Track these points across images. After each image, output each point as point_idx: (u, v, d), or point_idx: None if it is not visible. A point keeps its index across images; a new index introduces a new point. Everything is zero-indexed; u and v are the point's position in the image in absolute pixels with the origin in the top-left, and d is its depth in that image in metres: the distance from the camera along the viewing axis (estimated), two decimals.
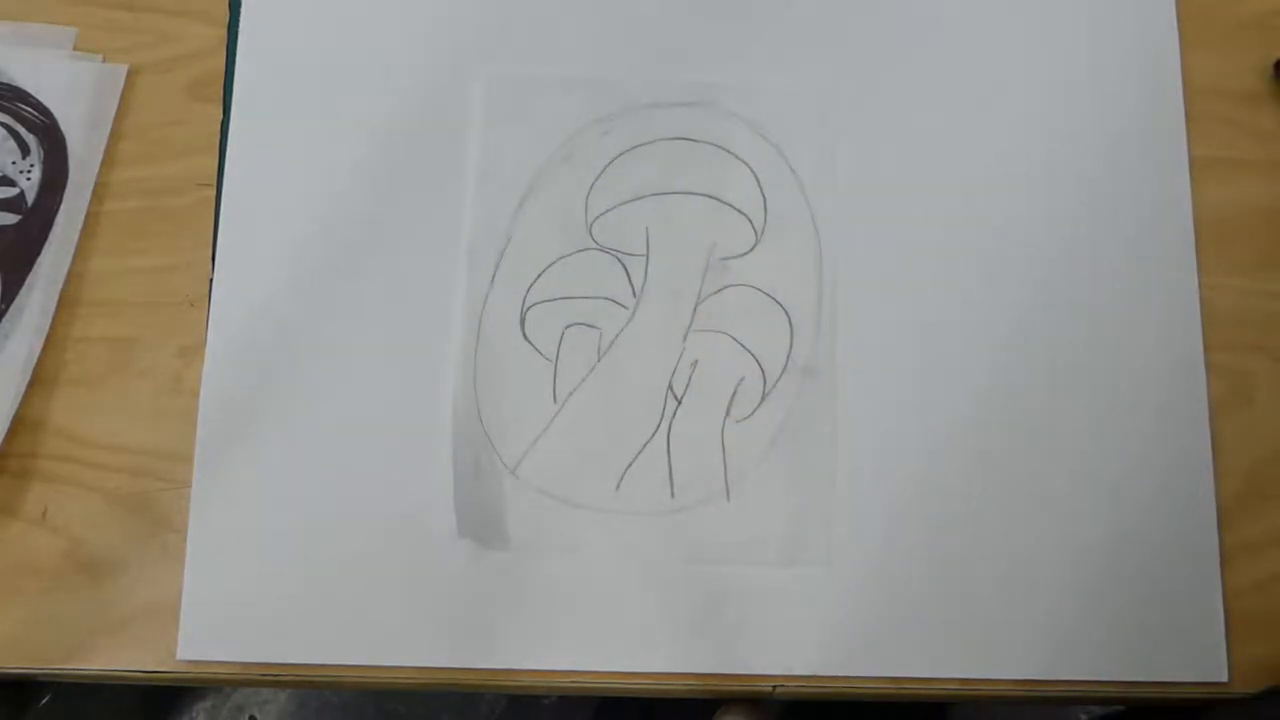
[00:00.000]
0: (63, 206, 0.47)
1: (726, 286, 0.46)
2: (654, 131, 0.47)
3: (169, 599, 0.43)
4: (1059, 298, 0.46)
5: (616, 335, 0.45)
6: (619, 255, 0.46)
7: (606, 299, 0.46)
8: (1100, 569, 0.44)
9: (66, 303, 0.46)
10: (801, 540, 0.44)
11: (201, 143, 0.47)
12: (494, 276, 0.46)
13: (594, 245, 0.46)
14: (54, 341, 0.46)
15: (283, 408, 0.44)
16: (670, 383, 0.45)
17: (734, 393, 0.45)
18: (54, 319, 0.46)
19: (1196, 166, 0.48)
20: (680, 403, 0.45)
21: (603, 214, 0.46)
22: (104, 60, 0.48)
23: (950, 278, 0.46)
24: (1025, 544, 0.44)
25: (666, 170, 0.47)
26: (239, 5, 0.49)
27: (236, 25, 0.48)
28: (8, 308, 0.45)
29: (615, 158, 0.47)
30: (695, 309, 0.46)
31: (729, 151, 0.47)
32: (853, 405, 0.45)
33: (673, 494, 0.44)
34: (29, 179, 0.47)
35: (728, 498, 0.44)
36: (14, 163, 0.47)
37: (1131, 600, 0.43)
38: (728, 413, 0.45)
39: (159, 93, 0.48)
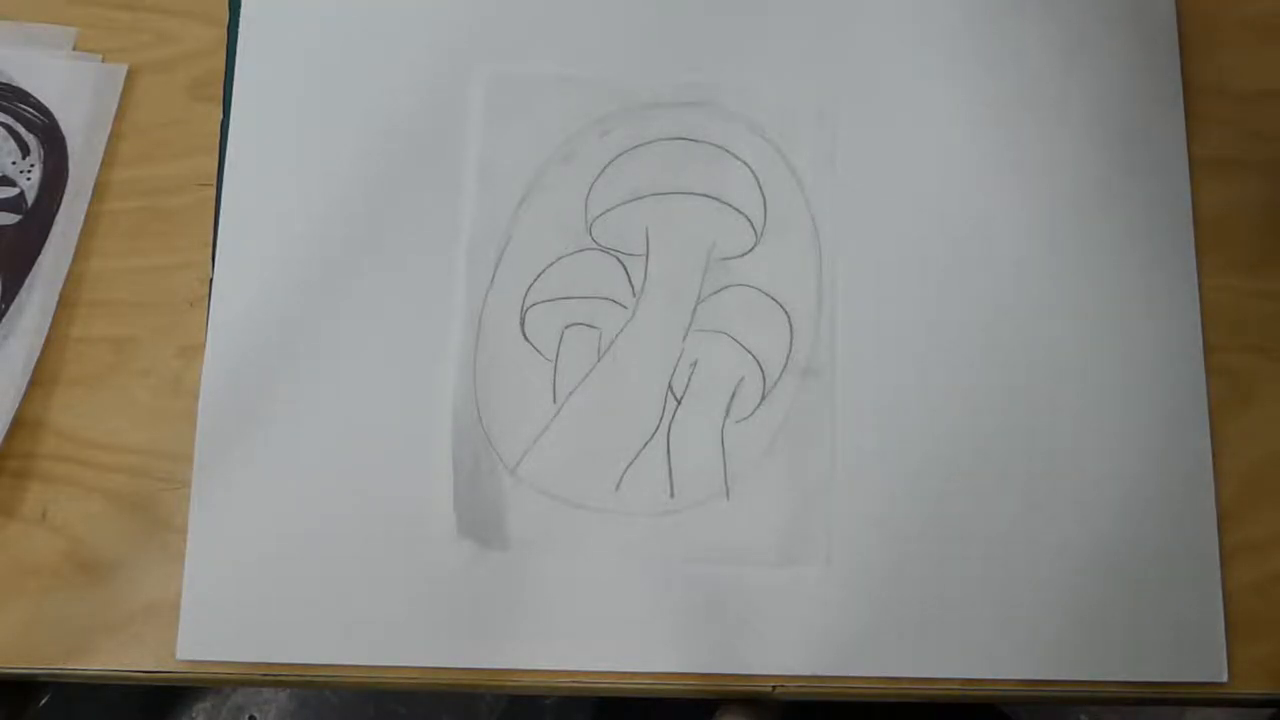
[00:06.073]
0: (63, 206, 0.47)
1: (726, 286, 0.46)
2: (653, 131, 0.47)
3: (169, 599, 0.43)
4: (1059, 298, 0.46)
5: (616, 335, 0.45)
6: (619, 255, 0.46)
7: (606, 299, 0.46)
8: (1100, 569, 0.44)
9: (66, 303, 0.46)
10: (801, 540, 0.44)
11: (201, 143, 0.47)
12: (494, 276, 0.46)
13: (594, 245, 0.46)
14: (54, 341, 0.46)
15: (283, 408, 0.44)
16: (670, 383, 0.45)
17: (734, 393, 0.45)
18: (54, 319, 0.46)
19: (1196, 166, 0.48)
20: (680, 403, 0.45)
21: (602, 214, 0.47)
22: (104, 60, 0.48)
23: (950, 278, 0.46)
24: (1025, 544, 0.44)
25: (666, 170, 0.47)
26: (239, 5, 0.49)
27: (236, 25, 0.48)
28: (8, 308, 0.45)
29: (615, 158, 0.47)
30: (695, 309, 0.46)
31: (729, 151, 0.47)
32: (853, 405, 0.45)
33: (672, 494, 0.44)
34: (29, 179, 0.47)
35: (727, 498, 0.44)
36: (14, 163, 0.47)
37: (1131, 600, 0.43)
38: (727, 413, 0.45)
39: (159, 93, 0.48)
